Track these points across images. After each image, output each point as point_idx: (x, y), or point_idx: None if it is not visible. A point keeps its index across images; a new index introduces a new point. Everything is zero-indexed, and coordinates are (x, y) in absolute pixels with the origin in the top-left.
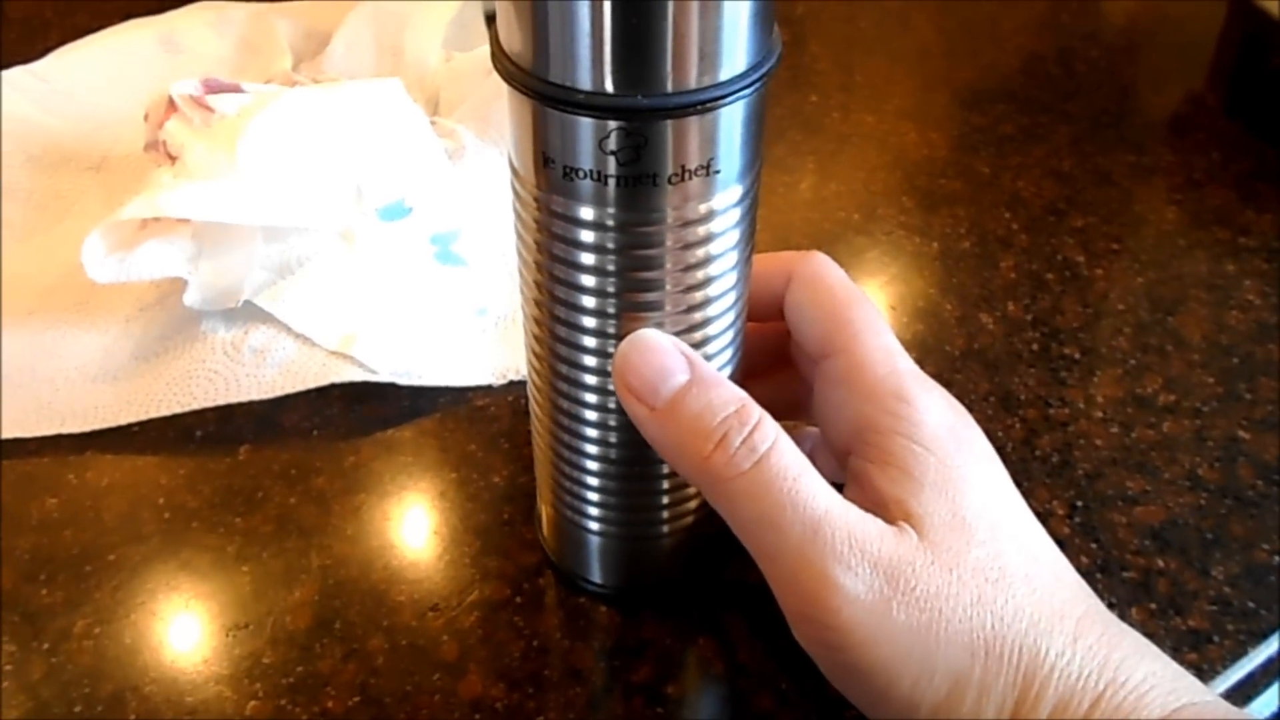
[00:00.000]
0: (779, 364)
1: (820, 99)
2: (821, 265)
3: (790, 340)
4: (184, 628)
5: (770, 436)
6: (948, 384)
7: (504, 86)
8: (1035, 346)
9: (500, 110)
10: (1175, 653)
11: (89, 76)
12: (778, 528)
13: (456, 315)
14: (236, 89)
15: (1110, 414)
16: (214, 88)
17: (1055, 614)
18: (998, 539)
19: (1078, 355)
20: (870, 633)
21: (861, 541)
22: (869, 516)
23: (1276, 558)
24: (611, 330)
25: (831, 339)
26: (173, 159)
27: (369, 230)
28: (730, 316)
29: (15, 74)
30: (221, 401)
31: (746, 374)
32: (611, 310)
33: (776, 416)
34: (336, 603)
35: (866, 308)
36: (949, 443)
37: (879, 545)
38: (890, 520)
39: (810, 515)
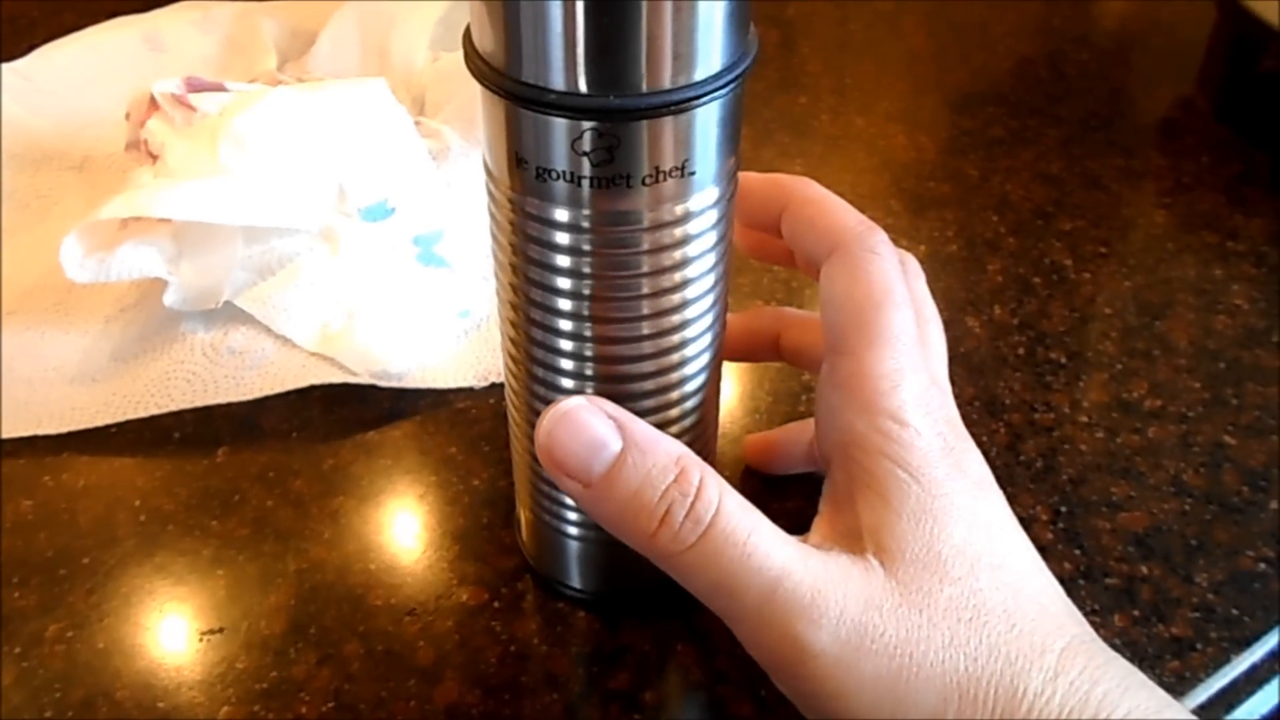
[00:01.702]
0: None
1: (810, 101)
2: (867, 248)
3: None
4: (157, 632)
5: (714, 501)
6: None
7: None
8: (1021, 350)
9: None
10: (1158, 660)
11: (73, 75)
12: (733, 593)
13: (438, 317)
14: (219, 88)
15: (1096, 419)
16: (196, 86)
17: (1035, 650)
18: (975, 575)
19: (1064, 360)
20: (839, 684)
21: (824, 593)
22: (831, 559)
23: (1261, 564)
24: (588, 333)
25: (847, 337)
26: (154, 158)
27: (351, 231)
28: (708, 319)
29: None
30: (200, 403)
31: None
32: (587, 313)
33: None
34: (312, 607)
35: (896, 315)
36: (938, 469)
37: (843, 593)
38: (859, 551)
39: (766, 577)
